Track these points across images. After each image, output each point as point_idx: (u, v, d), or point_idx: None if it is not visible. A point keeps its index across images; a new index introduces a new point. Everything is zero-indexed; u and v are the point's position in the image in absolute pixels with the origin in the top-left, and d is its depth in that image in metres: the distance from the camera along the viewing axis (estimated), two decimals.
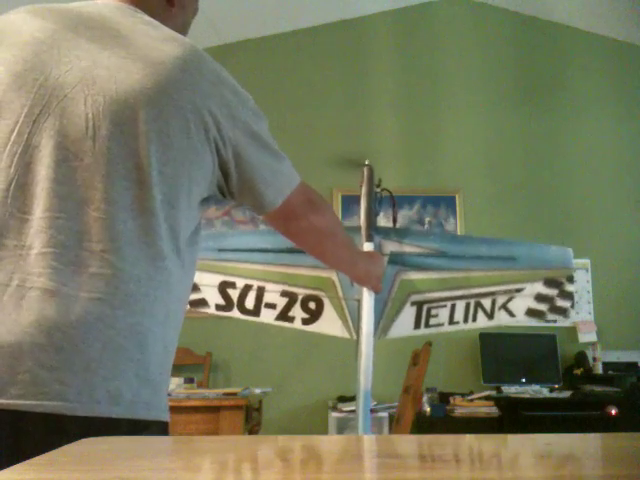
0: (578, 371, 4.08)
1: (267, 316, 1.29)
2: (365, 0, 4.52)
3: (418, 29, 4.69)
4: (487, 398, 3.83)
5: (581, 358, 4.13)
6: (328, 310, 1.22)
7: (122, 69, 0.87)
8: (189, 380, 3.07)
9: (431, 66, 4.63)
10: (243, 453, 0.57)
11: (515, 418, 3.68)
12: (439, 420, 3.71)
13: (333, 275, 1.20)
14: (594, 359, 4.11)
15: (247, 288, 1.25)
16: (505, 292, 1.11)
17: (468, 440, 0.71)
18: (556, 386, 4.01)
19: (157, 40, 0.91)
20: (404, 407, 2.61)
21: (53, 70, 0.87)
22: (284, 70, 4.59)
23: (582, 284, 4.36)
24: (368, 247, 1.23)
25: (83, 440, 0.60)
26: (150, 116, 0.86)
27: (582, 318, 4.31)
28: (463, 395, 3.88)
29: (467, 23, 4.69)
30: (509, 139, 4.53)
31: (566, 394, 3.86)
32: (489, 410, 3.73)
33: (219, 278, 1.25)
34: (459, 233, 4.39)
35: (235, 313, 1.26)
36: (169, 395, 2.67)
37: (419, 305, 1.18)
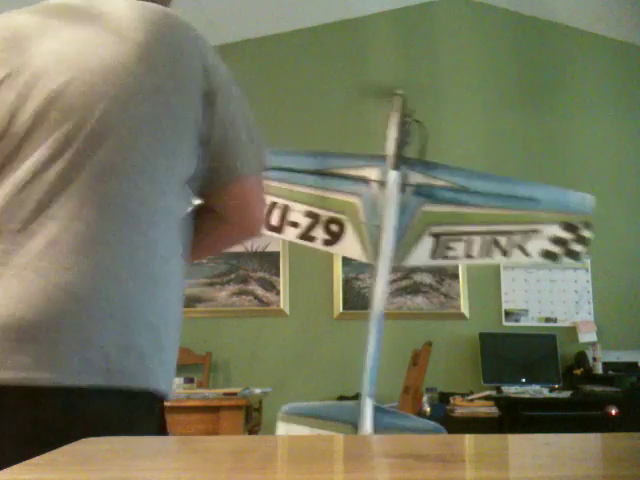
0: (578, 371, 4.08)
1: (290, 234, 1.29)
2: (365, 0, 4.52)
3: (418, 29, 4.69)
4: (487, 398, 3.83)
5: (581, 358, 4.13)
6: (349, 233, 1.23)
7: (95, 40, 0.88)
8: (189, 380, 3.07)
9: (431, 66, 4.63)
10: (243, 453, 0.57)
11: (515, 418, 3.69)
12: (439, 420, 3.71)
13: (357, 200, 1.20)
14: (594, 359, 4.11)
15: (272, 205, 1.30)
16: (522, 231, 1.12)
17: (468, 440, 0.71)
18: (556, 386, 4.01)
19: (132, 10, 0.91)
20: (404, 407, 2.61)
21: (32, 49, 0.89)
22: (284, 70, 4.59)
23: (582, 284, 4.36)
24: (393, 176, 1.22)
25: (83, 440, 0.60)
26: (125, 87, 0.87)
27: (582, 318, 4.31)
28: (463, 395, 3.88)
29: (467, 23, 4.69)
30: (509, 139, 4.53)
31: (566, 394, 3.86)
32: (489, 410, 3.73)
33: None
34: None
35: (266, 232, 1.30)
36: None
37: (437, 236, 1.18)
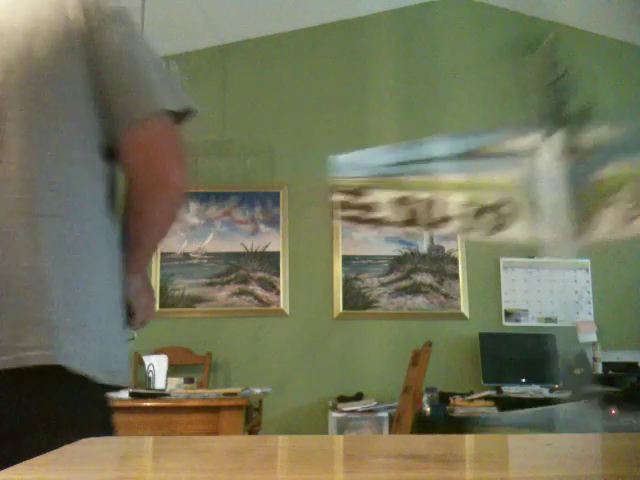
0: (578, 371, 4.08)
1: (449, 227, 1.08)
2: (365, 0, 4.52)
3: (418, 29, 4.69)
4: (487, 398, 3.82)
5: (581, 358, 4.13)
6: (515, 216, 1.04)
7: None
8: (189, 380, 3.07)
9: (431, 66, 4.63)
10: (243, 453, 0.57)
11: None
12: (439, 420, 3.71)
13: (517, 176, 1.02)
14: (594, 359, 4.11)
15: (429, 202, 1.10)
16: None
17: (468, 440, 0.70)
18: (556, 386, 4.01)
19: None
20: (404, 407, 2.61)
21: None
22: (284, 70, 4.59)
23: (582, 284, 4.36)
24: (556, 136, 1.01)
25: (83, 440, 0.60)
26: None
27: (582, 318, 4.31)
28: (463, 395, 3.88)
29: (467, 23, 4.69)
30: None
31: (566, 394, 3.86)
32: (489, 410, 3.72)
33: (396, 194, 1.13)
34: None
35: (417, 228, 1.10)
36: (168, 395, 2.66)
37: (622, 202, 1.01)
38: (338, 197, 1.10)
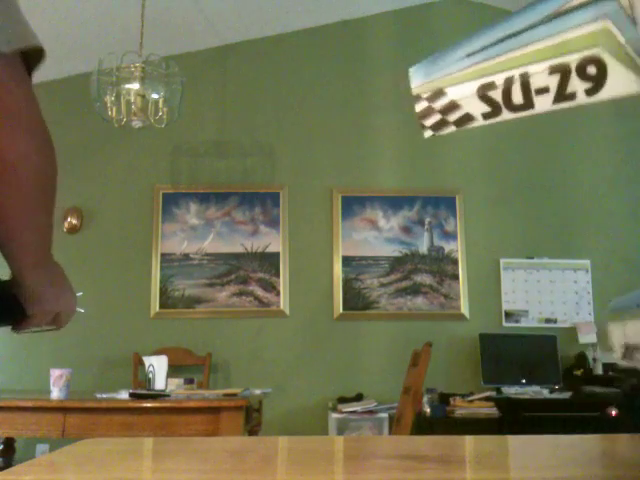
0: (578, 372, 4.08)
1: (543, 104, 0.93)
2: (365, 1, 4.52)
3: (418, 30, 4.69)
4: (487, 399, 3.82)
5: (581, 359, 4.13)
6: (614, 67, 0.89)
7: None
8: (189, 381, 3.07)
9: None
10: (243, 454, 0.57)
11: (515, 419, 3.68)
12: (439, 421, 3.71)
13: (607, 22, 0.87)
14: (594, 360, 4.11)
15: (509, 82, 0.95)
16: None
17: (468, 441, 0.70)
18: (556, 387, 4.00)
19: None
20: (404, 408, 2.61)
21: None
22: (284, 71, 4.59)
23: (582, 285, 4.36)
24: None
25: (83, 441, 0.60)
26: None
27: (582, 319, 4.31)
28: (463, 396, 3.88)
29: (467, 24, 4.69)
30: (509, 140, 4.53)
31: (566, 395, 3.86)
32: (489, 411, 3.72)
33: (476, 84, 1.00)
34: (458, 235, 4.38)
35: (507, 115, 0.94)
36: (168, 396, 2.66)
37: None
38: (419, 106, 0.94)
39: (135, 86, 3.26)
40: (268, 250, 4.31)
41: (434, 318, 4.26)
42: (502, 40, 1.04)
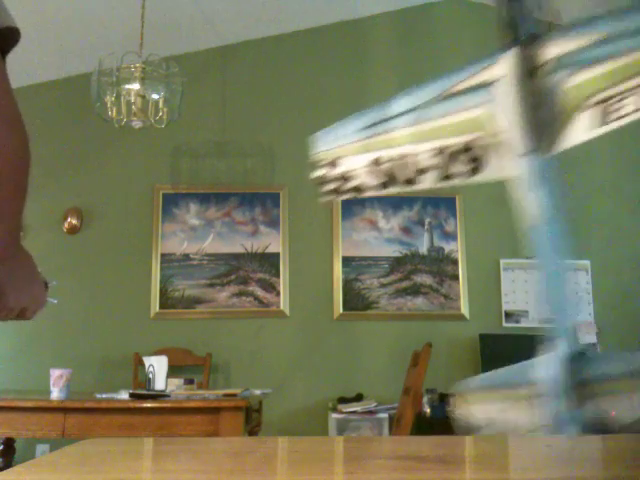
0: None
1: (426, 181, 1.01)
2: (365, 1, 4.52)
3: (418, 30, 4.69)
4: None
5: None
6: (492, 151, 0.97)
7: None
8: (189, 381, 3.07)
9: (431, 67, 4.63)
10: (243, 455, 0.57)
11: None
12: (439, 421, 3.71)
13: (486, 110, 0.94)
14: None
15: (398, 159, 1.02)
16: None
17: (468, 441, 0.70)
18: None
19: None
20: (404, 408, 2.61)
21: None
22: (284, 71, 4.59)
23: (582, 285, 4.36)
24: (510, 54, 0.92)
25: (83, 441, 0.60)
26: None
27: (582, 319, 4.31)
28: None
29: (467, 24, 4.69)
30: None
31: None
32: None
33: (367, 158, 1.07)
34: (458, 235, 4.38)
35: (391, 189, 1.02)
36: (168, 396, 2.67)
37: (599, 103, 0.94)
38: (319, 172, 1.02)
39: (135, 86, 3.26)
40: (268, 250, 4.31)
41: (434, 318, 4.26)
42: (392, 118, 1.09)
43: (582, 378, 0.79)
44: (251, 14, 4.31)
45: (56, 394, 2.66)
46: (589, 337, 4.24)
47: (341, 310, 4.26)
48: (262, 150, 4.44)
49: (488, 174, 0.98)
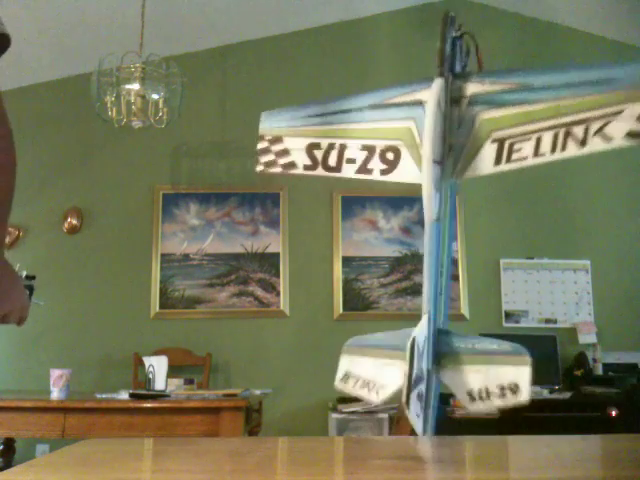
0: (578, 372, 4.08)
1: (348, 171, 1.26)
2: (365, 1, 4.52)
3: (418, 30, 4.69)
4: None
5: (581, 359, 4.13)
6: (405, 158, 1.19)
7: None
8: (189, 381, 3.07)
9: (431, 67, 4.63)
10: (243, 455, 0.57)
11: (515, 419, 3.68)
12: (439, 421, 3.70)
13: (412, 123, 1.16)
14: (594, 360, 4.11)
15: (330, 147, 1.26)
16: (601, 117, 1.01)
17: (468, 441, 0.71)
18: (556, 387, 4.00)
19: None
20: (404, 408, 2.61)
21: None
22: (284, 71, 4.59)
23: (582, 285, 4.36)
24: (437, 83, 1.18)
25: (83, 442, 0.60)
26: None
27: (582, 319, 4.31)
28: None
29: (467, 25, 4.68)
30: None
31: (566, 395, 3.86)
32: (489, 411, 3.72)
33: (306, 141, 1.29)
34: (458, 235, 4.38)
35: (320, 171, 1.26)
36: (168, 396, 2.67)
37: (501, 141, 1.10)
38: (260, 145, 1.23)
39: (135, 86, 3.26)
40: (268, 250, 4.31)
41: None
42: (335, 113, 1.32)
43: (446, 349, 1.03)
44: (251, 14, 4.31)
45: (56, 394, 2.66)
46: (589, 337, 4.24)
47: (341, 310, 4.26)
48: None
49: (397, 176, 1.22)
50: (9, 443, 3.54)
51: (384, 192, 4.36)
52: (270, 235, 4.33)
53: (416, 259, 4.32)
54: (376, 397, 1.14)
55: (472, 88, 1.18)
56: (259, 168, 1.29)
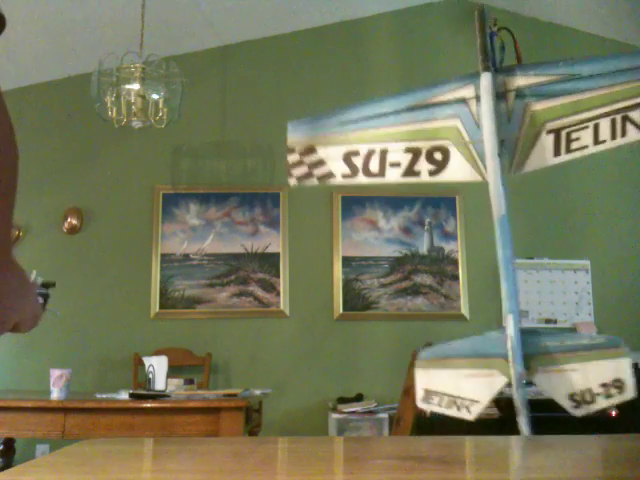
0: None
1: (393, 175, 1.20)
2: (365, 1, 4.52)
3: (418, 31, 4.69)
4: None
5: None
6: (455, 157, 1.15)
7: None
8: (189, 381, 3.07)
9: (431, 68, 4.63)
10: (243, 455, 0.57)
11: (515, 419, 3.68)
12: (439, 421, 3.71)
13: (457, 122, 1.12)
14: None
15: (370, 153, 1.19)
16: None
17: (469, 442, 0.70)
18: None
19: None
20: (404, 408, 2.61)
21: None
22: (284, 71, 4.59)
23: (582, 285, 4.36)
24: (484, 81, 1.13)
25: (83, 442, 0.60)
26: None
27: (582, 319, 4.31)
28: None
29: (467, 24, 4.69)
30: None
31: None
32: (489, 411, 3.72)
33: (342, 149, 1.23)
34: (458, 235, 4.38)
35: (361, 179, 1.21)
36: (168, 396, 2.67)
37: (557, 132, 1.08)
38: (291, 157, 1.18)
39: (135, 86, 3.26)
40: (268, 250, 4.31)
41: (434, 318, 4.26)
42: (371, 117, 1.25)
43: (534, 350, 0.98)
44: (251, 14, 4.31)
45: (56, 394, 2.66)
46: None
47: (341, 310, 4.26)
48: (262, 150, 4.43)
49: (448, 176, 1.16)
50: (9, 443, 3.54)
51: (384, 192, 4.36)
52: (270, 235, 4.33)
53: (416, 259, 4.32)
54: (468, 415, 1.10)
55: (518, 81, 1.15)
56: (292, 182, 1.23)
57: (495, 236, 1.10)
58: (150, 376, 2.95)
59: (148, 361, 3.03)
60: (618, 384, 0.73)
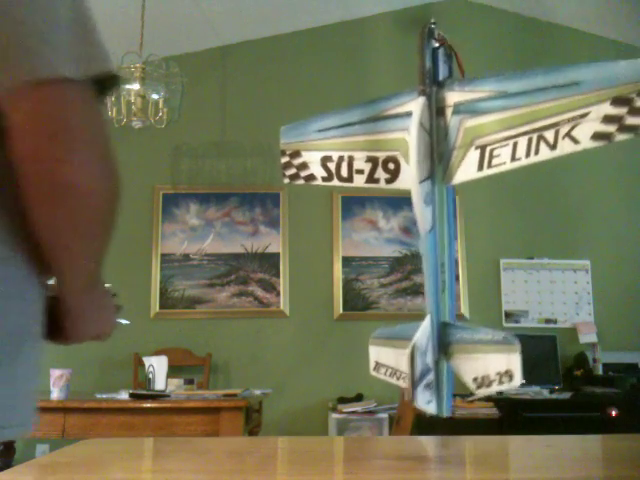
0: (578, 372, 4.08)
1: (358, 181, 1.40)
2: (365, 1, 4.52)
3: (418, 31, 4.68)
4: (487, 399, 3.82)
5: (581, 359, 4.13)
6: (405, 167, 1.30)
7: None
8: (189, 381, 3.07)
9: None
10: (243, 455, 0.57)
11: (515, 419, 3.68)
12: (439, 421, 3.70)
13: (406, 134, 1.25)
14: (594, 360, 4.11)
15: (340, 159, 1.38)
16: (569, 120, 1.08)
17: (468, 442, 0.71)
18: (556, 387, 4.00)
19: None
20: (404, 408, 2.61)
21: None
22: (284, 71, 4.59)
23: (582, 285, 4.36)
24: (419, 102, 1.23)
25: (83, 441, 0.60)
26: None
27: (582, 319, 4.31)
28: (463, 396, 3.88)
29: (467, 25, 4.69)
30: None
31: (566, 395, 3.86)
32: (489, 411, 3.72)
33: (320, 154, 1.43)
34: (458, 235, 4.39)
35: (336, 182, 1.41)
36: (168, 396, 2.67)
37: (482, 148, 1.18)
38: (283, 159, 1.34)
39: (135, 86, 3.26)
40: (268, 251, 4.31)
41: None
42: (341, 126, 1.42)
43: (452, 339, 1.15)
44: (251, 14, 4.31)
45: (56, 394, 2.66)
46: (589, 337, 4.24)
47: (341, 310, 4.26)
48: (262, 150, 4.43)
49: (400, 184, 1.31)
50: (9, 443, 3.54)
51: (384, 192, 4.36)
52: (270, 235, 4.33)
53: (416, 259, 4.32)
54: (404, 384, 1.24)
55: (455, 97, 1.25)
56: (286, 180, 1.41)
57: (422, 248, 1.16)
58: (150, 376, 2.95)
59: (148, 361, 3.03)
60: (509, 374, 0.91)
